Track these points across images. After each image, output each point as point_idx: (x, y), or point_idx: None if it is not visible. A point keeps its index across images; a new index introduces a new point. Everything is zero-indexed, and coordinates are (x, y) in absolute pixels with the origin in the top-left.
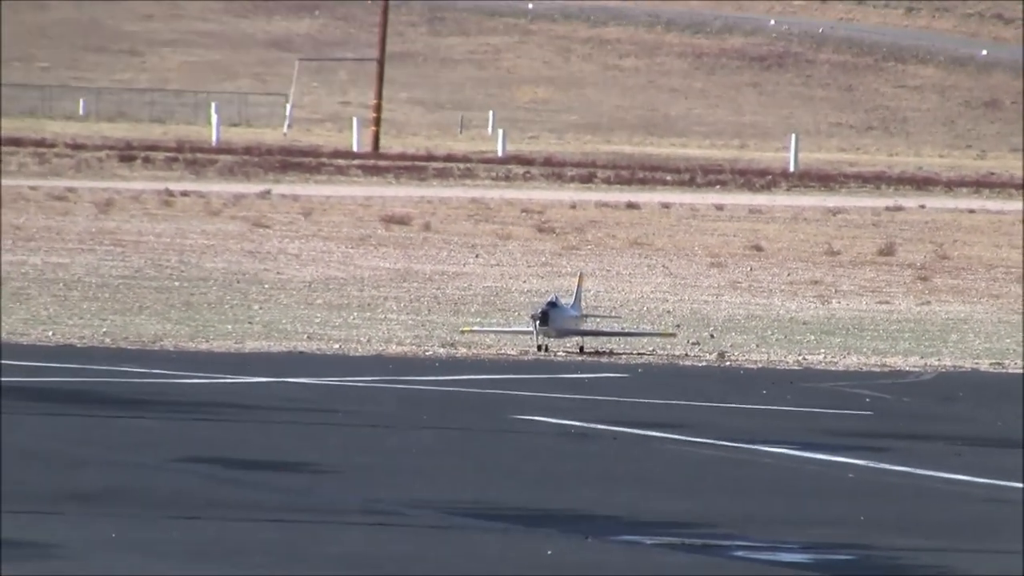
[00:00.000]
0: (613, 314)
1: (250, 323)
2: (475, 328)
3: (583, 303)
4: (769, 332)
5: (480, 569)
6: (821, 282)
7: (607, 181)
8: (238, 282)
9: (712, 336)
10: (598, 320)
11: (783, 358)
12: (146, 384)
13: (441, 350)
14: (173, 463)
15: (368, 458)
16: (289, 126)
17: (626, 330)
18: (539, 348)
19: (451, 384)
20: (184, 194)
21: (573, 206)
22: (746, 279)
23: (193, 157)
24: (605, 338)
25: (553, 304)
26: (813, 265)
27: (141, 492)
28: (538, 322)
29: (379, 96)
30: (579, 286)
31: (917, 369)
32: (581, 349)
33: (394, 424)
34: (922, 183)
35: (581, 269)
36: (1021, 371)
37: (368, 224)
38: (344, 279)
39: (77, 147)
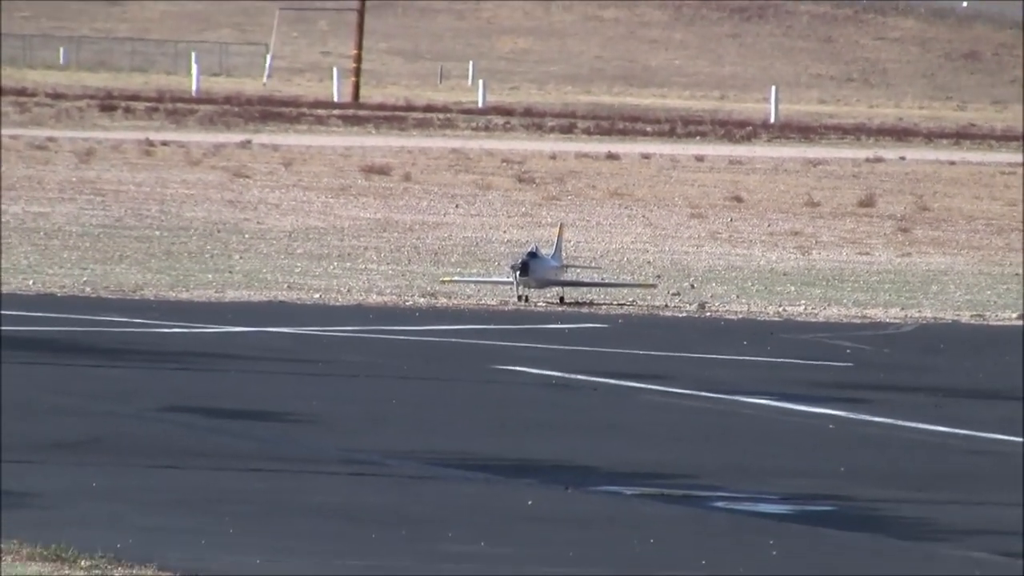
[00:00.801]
0: (593, 265)
1: (230, 273)
2: (454, 279)
3: (563, 254)
4: (749, 283)
5: (461, 519)
6: (801, 233)
7: (587, 132)
8: (218, 232)
9: (692, 287)
10: (578, 271)
11: (763, 309)
12: (127, 333)
13: (421, 300)
14: (154, 412)
15: (348, 408)
16: (269, 76)
17: (606, 281)
18: (519, 298)
19: (431, 334)
20: (164, 144)
21: (553, 157)
22: (726, 230)
23: (173, 107)
24: (585, 289)
25: (533, 255)
26: (793, 216)
27: (122, 441)
28: (518, 272)
29: (359, 46)
30: (559, 237)
31: (897, 320)
32: (561, 300)
33: (375, 374)
34: (902, 134)
35: (561, 220)
36: (1009, 323)
37: (348, 174)
38: (324, 229)
39: (57, 96)
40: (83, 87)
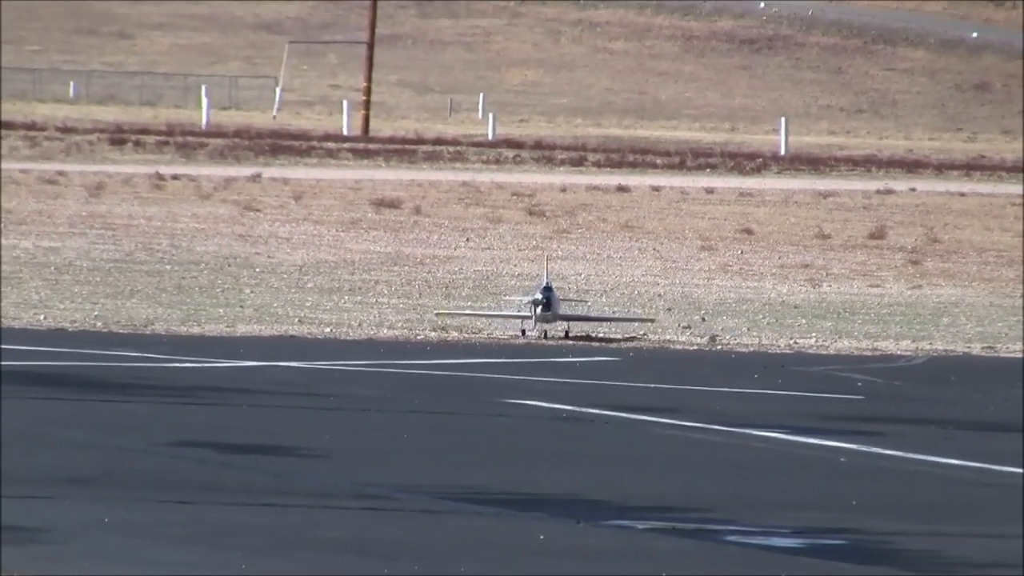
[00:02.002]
0: (589, 298)
1: (241, 307)
2: (451, 311)
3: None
4: (760, 316)
5: (471, 553)
6: (812, 265)
7: (597, 164)
8: (229, 266)
9: (703, 320)
10: (572, 303)
11: (774, 342)
12: (138, 368)
13: (432, 334)
14: (165, 447)
15: (359, 442)
16: (279, 109)
17: (606, 315)
18: (523, 333)
19: (442, 368)
20: (175, 177)
21: (563, 189)
22: (737, 262)
23: (183, 140)
24: (590, 323)
25: (549, 289)
26: (804, 248)
27: (133, 476)
28: (540, 308)
29: (369, 79)
30: (546, 268)
31: (908, 353)
32: (567, 334)
33: (385, 408)
34: (912, 166)
35: (548, 253)
36: (1020, 355)
37: (358, 207)
38: (335, 262)
39: (67, 130)
40: (93, 121)
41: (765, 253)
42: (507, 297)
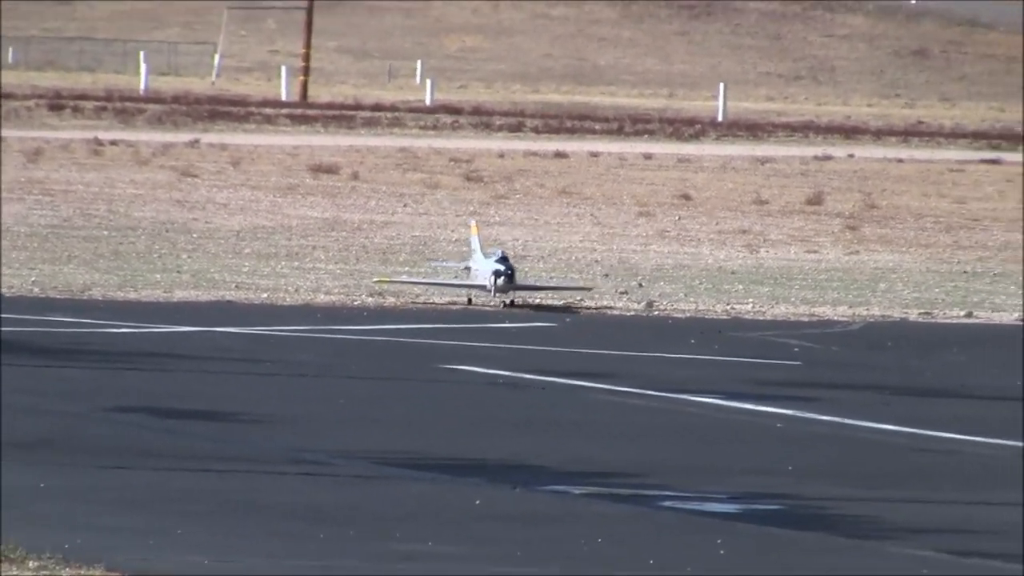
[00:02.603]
0: (526, 264)
1: (179, 272)
2: (391, 279)
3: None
4: (697, 281)
5: (409, 518)
6: (749, 231)
7: (535, 130)
8: (167, 231)
9: (640, 285)
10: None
11: (711, 307)
12: (75, 334)
13: (369, 299)
14: (103, 412)
15: (297, 408)
16: (218, 75)
17: (544, 284)
18: (469, 302)
19: (379, 333)
20: (113, 143)
21: (501, 155)
22: (674, 228)
23: (122, 106)
24: (541, 291)
25: (506, 258)
26: (741, 214)
27: (71, 441)
28: (502, 279)
29: (308, 45)
30: (478, 236)
31: (845, 319)
32: (512, 303)
33: (323, 374)
34: (850, 132)
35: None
36: (958, 320)
37: (296, 173)
38: (272, 228)
39: (6, 96)
40: (32, 87)
41: (703, 219)
42: (438, 263)
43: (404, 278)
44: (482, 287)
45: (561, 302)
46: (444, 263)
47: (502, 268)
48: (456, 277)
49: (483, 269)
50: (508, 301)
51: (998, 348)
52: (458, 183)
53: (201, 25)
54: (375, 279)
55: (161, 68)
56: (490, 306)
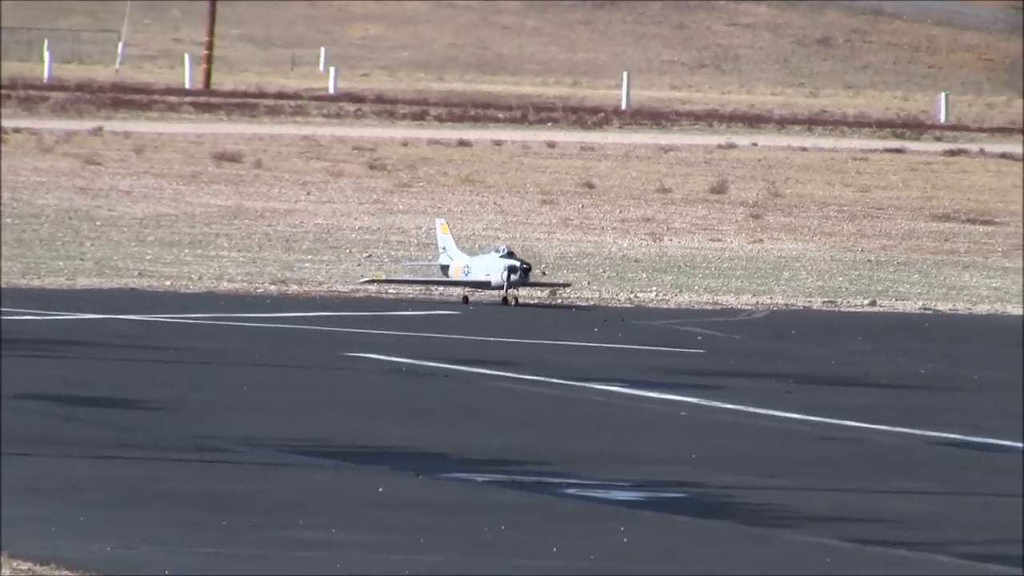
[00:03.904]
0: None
1: (82, 260)
2: (383, 279)
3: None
4: (601, 270)
5: (311, 506)
6: (653, 220)
7: (439, 119)
8: (70, 219)
9: (544, 273)
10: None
11: (615, 296)
12: None
13: (272, 287)
14: (5, 399)
15: (200, 395)
16: (122, 63)
17: (539, 280)
18: (465, 300)
19: (283, 321)
20: (16, 131)
21: (405, 144)
22: (578, 216)
23: (25, 94)
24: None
25: (512, 253)
26: (645, 203)
27: None
28: (517, 275)
29: (211, 33)
30: (450, 235)
31: (749, 307)
32: (466, 300)
33: (226, 361)
34: (754, 121)
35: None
36: (861, 309)
37: (199, 161)
38: (175, 216)
39: None
40: None
41: (606, 207)
42: (412, 262)
43: (397, 277)
44: (485, 284)
45: (559, 301)
46: (417, 262)
47: (517, 264)
48: (434, 274)
49: (488, 266)
50: (515, 299)
51: (901, 337)
52: (361, 171)
53: (105, 13)
54: (365, 278)
55: (65, 56)
56: (493, 304)
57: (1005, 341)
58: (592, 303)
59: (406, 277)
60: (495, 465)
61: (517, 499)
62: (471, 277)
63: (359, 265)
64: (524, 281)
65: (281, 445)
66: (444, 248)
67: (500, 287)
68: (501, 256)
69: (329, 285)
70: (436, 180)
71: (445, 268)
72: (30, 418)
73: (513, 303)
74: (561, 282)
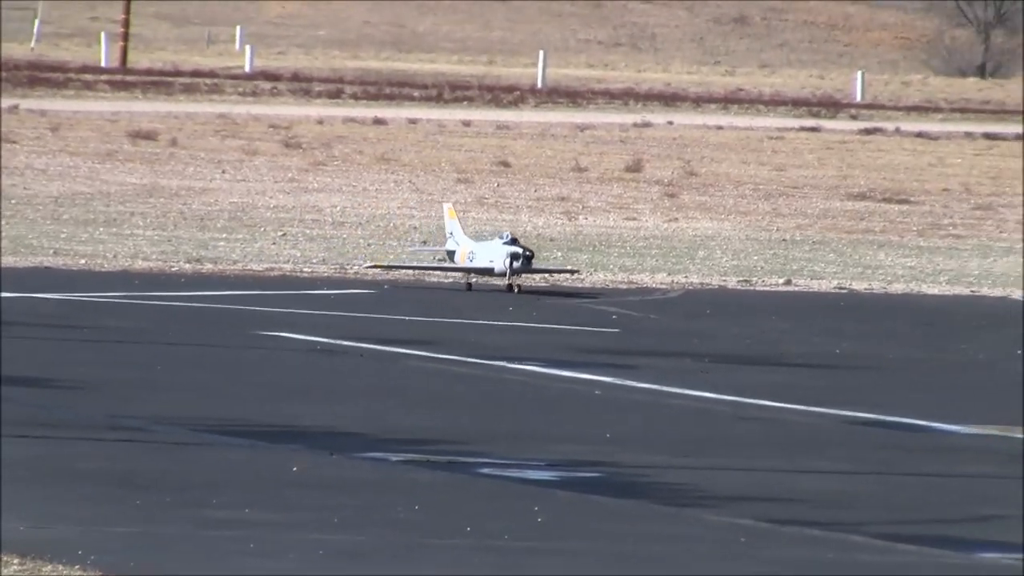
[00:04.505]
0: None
1: None
2: (385, 264)
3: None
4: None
5: (226, 484)
6: (568, 198)
7: (354, 97)
8: None
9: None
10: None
11: (529, 275)
12: None
13: (187, 266)
14: None
15: (115, 374)
16: (37, 40)
17: (541, 267)
18: (468, 287)
19: (198, 300)
20: None
21: (320, 122)
22: (493, 195)
23: None
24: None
25: (516, 240)
26: (560, 181)
27: None
28: (520, 261)
29: (127, 11)
30: (457, 220)
31: (664, 286)
32: (469, 287)
33: (141, 340)
34: (670, 99)
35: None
36: (776, 288)
37: (115, 139)
38: (91, 194)
39: None
40: None
41: (521, 186)
42: (417, 248)
43: (399, 262)
44: (488, 271)
45: (566, 285)
46: (422, 248)
47: (519, 251)
48: (442, 261)
49: (492, 252)
50: (517, 286)
51: (816, 316)
52: (277, 150)
53: None
54: (367, 264)
55: None
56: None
57: (919, 320)
58: (508, 282)
59: (409, 263)
60: (410, 444)
61: (432, 478)
62: (475, 264)
63: (274, 244)
64: (527, 268)
65: (196, 424)
66: (451, 233)
67: (503, 274)
68: (505, 243)
69: (244, 264)
70: (351, 159)
71: (452, 254)
72: None
73: (516, 291)
74: (569, 268)
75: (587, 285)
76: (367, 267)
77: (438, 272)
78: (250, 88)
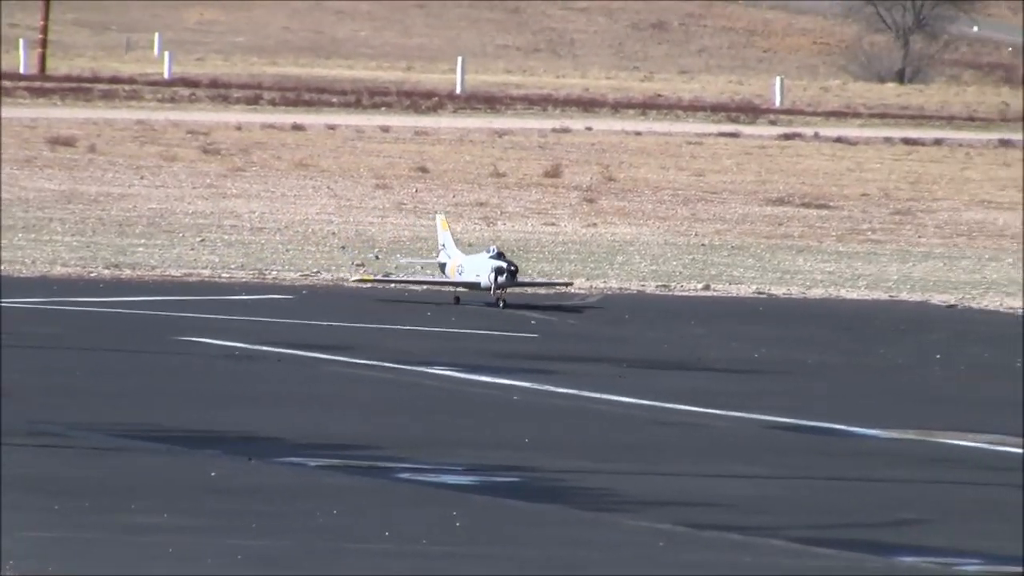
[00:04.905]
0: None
1: None
2: (375, 277)
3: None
4: (435, 254)
5: (144, 490)
6: (487, 204)
7: (273, 103)
8: None
9: (377, 258)
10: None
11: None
12: None
13: (106, 271)
14: None
15: (33, 380)
16: None
17: (534, 280)
18: (457, 301)
19: (116, 306)
20: None
21: (239, 128)
22: (411, 201)
23: None
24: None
25: (503, 254)
26: (479, 187)
27: None
28: (504, 276)
29: (46, 18)
30: (448, 231)
31: (583, 291)
32: (457, 300)
33: (59, 346)
34: (588, 105)
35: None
36: (694, 292)
37: (33, 145)
38: (9, 201)
39: None
40: None
41: (440, 191)
42: (409, 260)
43: (394, 277)
44: (474, 285)
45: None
46: (414, 260)
47: (504, 265)
48: (432, 274)
49: (478, 266)
50: (504, 301)
51: (735, 321)
52: (195, 156)
53: None
54: (355, 278)
55: None
56: (484, 305)
57: (838, 325)
58: (426, 287)
59: (396, 277)
60: (328, 449)
61: (350, 483)
62: (464, 277)
63: (193, 249)
64: (512, 282)
65: (113, 429)
66: (443, 245)
67: (489, 288)
68: (491, 257)
69: (162, 269)
70: (270, 164)
71: (443, 266)
72: None
73: (502, 305)
74: (562, 281)
75: (418, 283)
76: (354, 281)
77: (434, 286)
78: (169, 94)
